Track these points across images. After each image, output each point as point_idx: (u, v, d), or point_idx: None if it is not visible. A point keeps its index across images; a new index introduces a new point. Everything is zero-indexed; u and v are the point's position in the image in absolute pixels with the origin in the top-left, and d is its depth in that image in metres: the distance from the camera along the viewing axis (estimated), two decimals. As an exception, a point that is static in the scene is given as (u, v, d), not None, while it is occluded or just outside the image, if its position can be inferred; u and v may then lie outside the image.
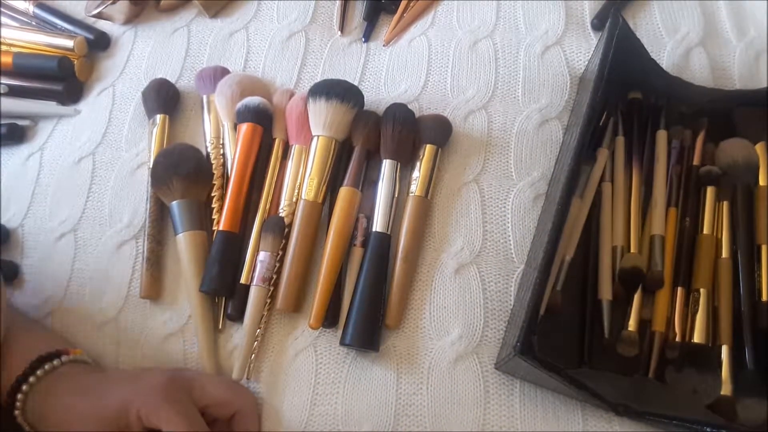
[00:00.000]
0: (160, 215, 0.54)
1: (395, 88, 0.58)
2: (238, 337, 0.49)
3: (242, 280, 0.49)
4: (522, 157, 0.53)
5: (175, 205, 0.51)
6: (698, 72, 0.56)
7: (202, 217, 0.52)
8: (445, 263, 0.50)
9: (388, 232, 0.49)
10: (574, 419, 0.44)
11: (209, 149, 0.55)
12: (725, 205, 0.49)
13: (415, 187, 0.51)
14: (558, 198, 0.44)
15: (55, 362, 0.43)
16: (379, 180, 0.51)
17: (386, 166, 0.51)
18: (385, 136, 0.52)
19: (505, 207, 0.51)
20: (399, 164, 0.52)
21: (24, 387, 0.42)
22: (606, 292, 0.46)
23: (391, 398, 0.45)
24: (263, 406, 0.46)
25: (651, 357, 0.45)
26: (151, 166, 0.54)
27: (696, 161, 0.51)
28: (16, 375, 0.42)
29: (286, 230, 0.50)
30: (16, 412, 0.42)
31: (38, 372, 0.43)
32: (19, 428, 0.43)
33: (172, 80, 0.60)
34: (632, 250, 0.48)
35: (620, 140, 0.52)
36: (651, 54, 0.52)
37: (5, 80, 0.61)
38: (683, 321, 0.46)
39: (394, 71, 0.59)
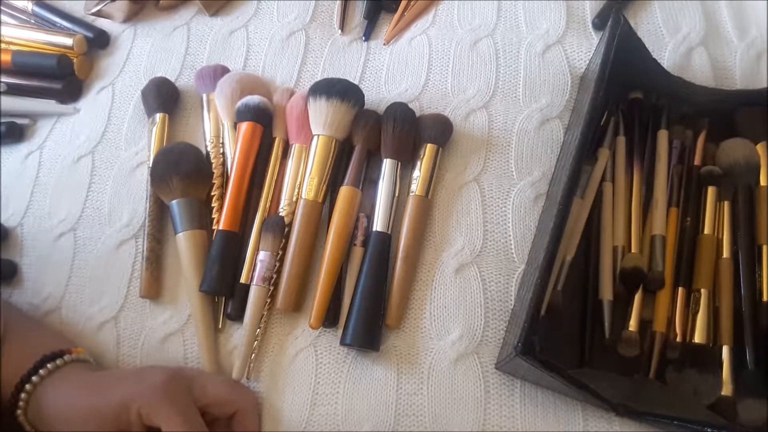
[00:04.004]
0: (159, 214, 0.53)
1: (396, 87, 0.58)
2: (238, 336, 0.49)
3: (242, 280, 0.49)
4: (523, 156, 0.53)
5: (174, 204, 0.51)
6: (699, 72, 0.56)
7: (202, 216, 0.52)
8: (445, 263, 0.49)
9: (389, 232, 0.49)
10: (574, 419, 0.44)
11: (209, 148, 0.55)
12: (726, 205, 0.49)
13: (416, 186, 0.51)
14: (559, 198, 0.44)
15: (58, 362, 0.43)
16: (379, 179, 0.51)
17: (387, 165, 0.51)
18: (386, 136, 0.52)
19: (505, 207, 0.51)
20: (399, 163, 0.51)
21: (27, 387, 0.42)
22: (607, 292, 0.46)
23: (391, 398, 0.45)
24: (263, 406, 0.46)
25: (652, 357, 0.45)
26: (150, 165, 0.54)
27: (697, 161, 0.51)
28: (20, 374, 0.42)
29: (286, 230, 0.50)
30: (19, 412, 0.42)
31: (41, 371, 0.42)
32: (20, 428, 0.43)
33: (172, 79, 0.60)
34: (633, 250, 0.48)
35: (621, 140, 0.52)
36: (652, 54, 0.52)
37: (4, 78, 0.60)
38: (684, 321, 0.46)
39: (394, 70, 0.59)
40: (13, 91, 0.61)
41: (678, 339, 0.45)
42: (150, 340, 0.49)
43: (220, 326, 0.50)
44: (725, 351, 0.44)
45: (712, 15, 0.59)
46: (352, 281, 0.48)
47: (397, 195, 0.51)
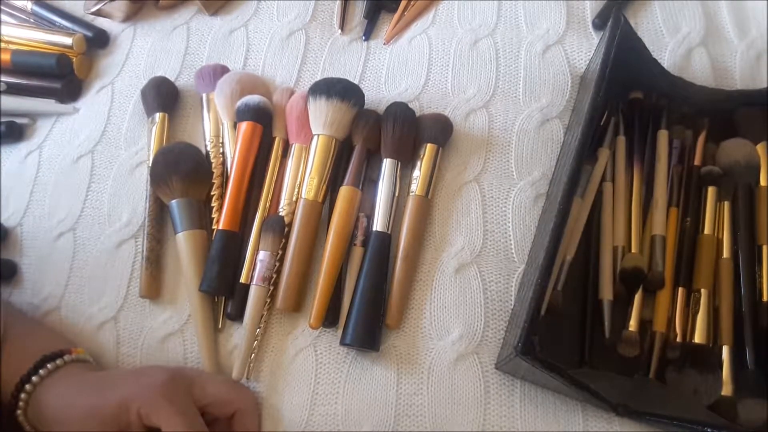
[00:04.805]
0: (159, 214, 0.53)
1: (396, 87, 0.58)
2: (237, 336, 0.49)
3: (242, 280, 0.49)
4: (523, 156, 0.53)
5: (174, 204, 0.51)
6: (699, 72, 0.56)
7: (201, 216, 0.52)
8: (445, 263, 0.49)
9: (389, 232, 0.49)
10: (574, 419, 0.44)
11: (209, 148, 0.55)
12: (726, 205, 0.49)
13: (416, 186, 0.51)
14: (559, 198, 0.44)
15: (58, 362, 0.43)
16: (379, 179, 0.51)
17: (387, 165, 0.51)
18: (386, 135, 0.52)
19: (505, 206, 0.51)
20: (399, 163, 0.51)
21: (27, 387, 0.42)
22: (607, 292, 0.46)
23: (391, 398, 0.45)
24: (263, 406, 0.46)
25: (652, 357, 0.45)
26: (150, 165, 0.54)
27: (697, 161, 0.51)
28: (19, 375, 0.42)
29: (286, 229, 0.50)
30: (18, 412, 0.42)
31: (41, 371, 0.42)
32: (20, 428, 0.43)
33: (172, 78, 0.60)
34: (633, 250, 0.48)
35: (621, 140, 0.52)
36: (652, 54, 0.52)
37: (4, 78, 0.60)
38: (684, 321, 0.46)
39: (394, 70, 0.59)
40: (12, 90, 0.61)
41: (678, 339, 0.45)
42: (150, 340, 0.49)
43: (220, 326, 0.49)
44: (725, 351, 0.44)
45: (712, 15, 0.59)
46: (352, 281, 0.48)
47: (397, 195, 0.51)
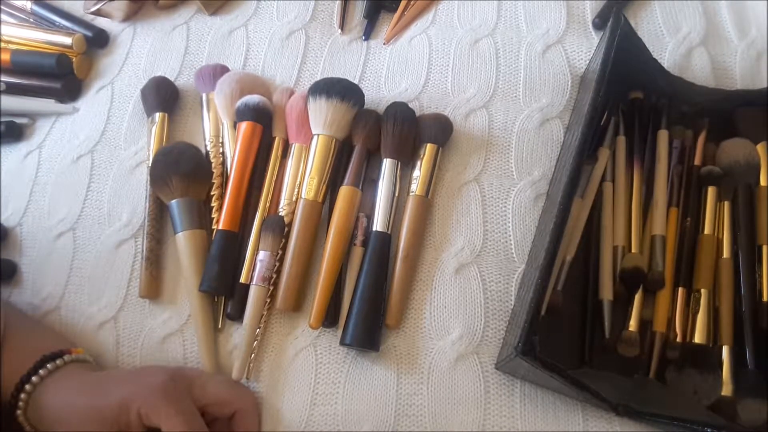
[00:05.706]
0: (159, 214, 0.53)
1: (396, 87, 0.58)
2: (237, 336, 0.49)
3: (242, 280, 0.49)
4: (523, 156, 0.53)
5: (174, 203, 0.51)
6: (699, 72, 0.56)
7: (201, 216, 0.52)
8: (445, 263, 0.49)
9: (389, 232, 0.49)
10: (574, 419, 0.44)
11: (209, 148, 0.55)
12: (726, 205, 0.49)
13: (416, 186, 0.50)
14: (559, 198, 0.44)
15: (58, 362, 0.43)
16: (379, 179, 0.51)
17: (387, 165, 0.51)
18: (386, 135, 0.52)
19: (505, 206, 0.51)
20: (399, 163, 0.51)
21: (27, 387, 0.42)
22: (607, 292, 0.46)
23: (391, 398, 0.45)
24: (263, 406, 0.46)
25: (652, 357, 0.45)
26: (150, 165, 0.54)
27: (697, 161, 0.51)
28: (19, 375, 0.42)
29: (286, 229, 0.50)
30: (18, 412, 0.42)
31: (41, 371, 0.42)
32: (20, 428, 0.43)
33: (172, 78, 0.60)
34: (633, 250, 0.48)
35: (621, 140, 0.52)
36: (652, 54, 0.52)
37: (3, 78, 0.60)
38: (684, 321, 0.46)
39: (394, 70, 0.59)
40: (12, 90, 0.61)
41: (678, 339, 0.45)
42: (149, 340, 0.49)
43: (219, 326, 0.49)
44: (725, 351, 0.44)
45: (712, 15, 0.59)
46: (352, 281, 0.48)
47: (397, 195, 0.51)
